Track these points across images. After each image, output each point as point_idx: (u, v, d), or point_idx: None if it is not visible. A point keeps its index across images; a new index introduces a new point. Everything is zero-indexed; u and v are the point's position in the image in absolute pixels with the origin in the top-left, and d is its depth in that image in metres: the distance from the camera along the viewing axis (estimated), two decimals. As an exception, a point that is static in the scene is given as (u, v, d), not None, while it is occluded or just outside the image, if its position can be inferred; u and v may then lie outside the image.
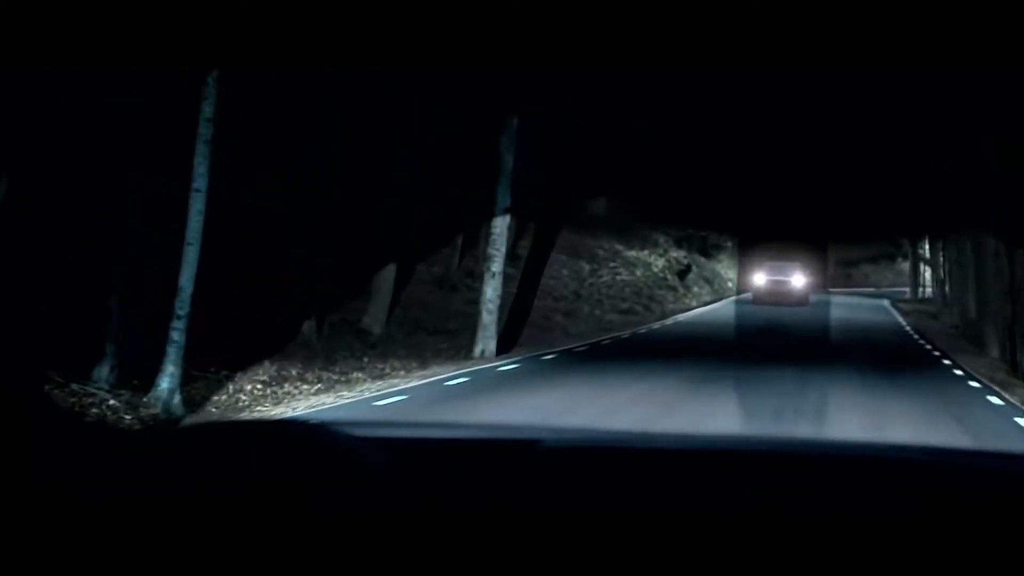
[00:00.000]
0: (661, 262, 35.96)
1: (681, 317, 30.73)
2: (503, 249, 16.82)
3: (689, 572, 1.57)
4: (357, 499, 1.50)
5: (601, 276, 30.51)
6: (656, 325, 27.45)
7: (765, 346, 21.48)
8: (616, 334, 23.92)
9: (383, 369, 15.45)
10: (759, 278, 34.41)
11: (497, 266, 16.90)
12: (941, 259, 46.03)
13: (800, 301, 32.97)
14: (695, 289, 38.66)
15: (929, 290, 52.94)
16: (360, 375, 14.82)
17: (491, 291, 16.87)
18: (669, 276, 35.70)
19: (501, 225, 16.74)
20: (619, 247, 35.25)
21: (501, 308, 23.07)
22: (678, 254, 38.25)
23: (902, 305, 44.83)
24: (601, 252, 33.26)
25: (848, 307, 37.43)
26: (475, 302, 23.06)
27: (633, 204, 34.82)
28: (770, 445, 3.21)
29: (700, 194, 29.17)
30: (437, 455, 2.07)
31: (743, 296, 33.90)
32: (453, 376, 14.84)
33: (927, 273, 55.81)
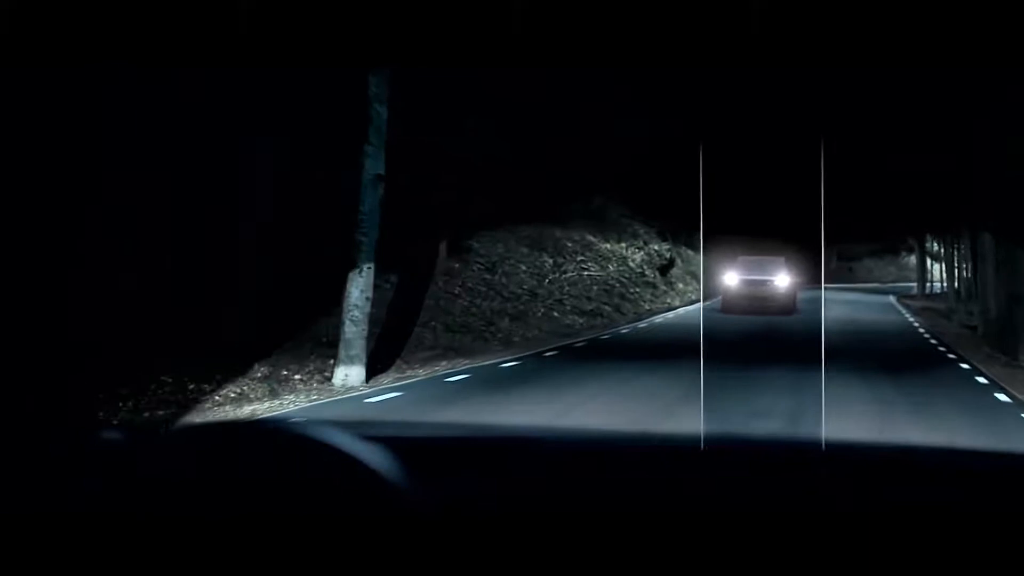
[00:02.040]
0: (640, 256, 31.16)
1: (659, 319, 25.96)
2: (374, 234, 11.84)
3: (690, 572, 1.59)
4: (357, 499, 1.46)
5: (566, 272, 25.78)
6: (625, 329, 22.70)
7: (756, 356, 16.86)
8: (570, 341, 19.21)
9: (204, 402, 10.80)
10: (730, 278, 27.72)
11: (366, 258, 11.90)
12: (953, 254, 41.58)
13: (783, 308, 26.40)
14: (680, 286, 33.86)
15: (937, 286, 48.69)
16: (161, 413, 10.18)
17: (357, 292, 11.84)
18: (648, 271, 30.89)
19: (371, 201, 11.80)
20: (592, 239, 30.52)
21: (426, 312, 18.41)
22: (660, 247, 33.42)
23: (909, 302, 39.98)
24: (569, 244, 28.53)
25: (851, 305, 32.80)
26: (394, 305, 18.48)
27: (600, 189, 30.21)
28: (773, 445, 3.13)
29: (672, 181, 24.87)
30: (438, 454, 2.10)
31: (712, 303, 28.25)
32: (288, 415, 10.19)
33: (935, 268, 51.53)
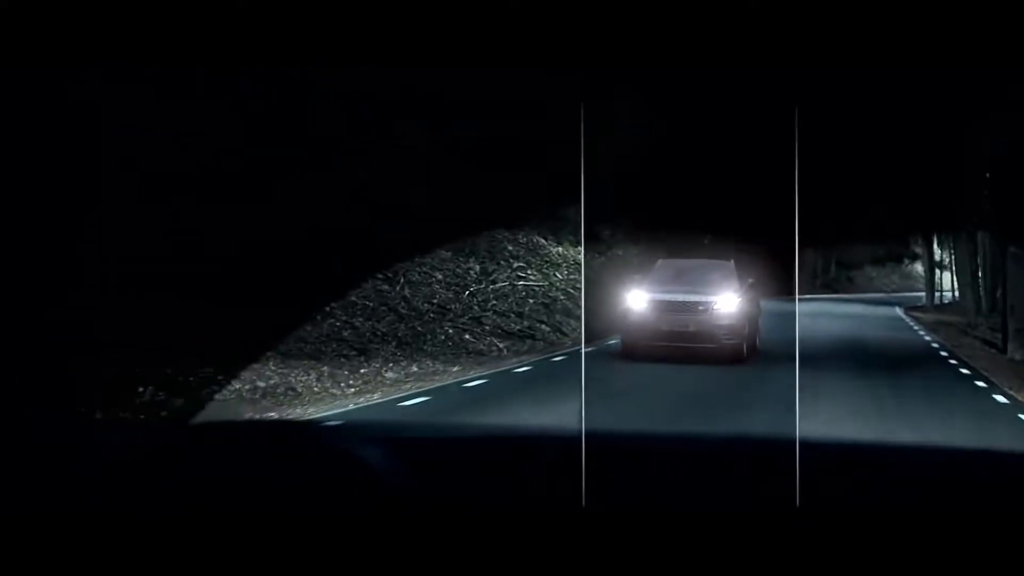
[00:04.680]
0: (598, 262, 25.61)
1: (614, 341, 20.33)
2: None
3: (696, 569, 1.63)
4: (358, 497, 1.53)
5: (495, 281, 20.17)
6: (559, 357, 17.00)
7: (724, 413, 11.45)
8: (469, 377, 13.62)
9: None
10: (635, 298, 16.41)
11: None
12: (968, 259, 36.19)
13: (728, 352, 15.34)
14: (649, 297, 28.26)
15: (947, 295, 43.52)
16: None
17: None
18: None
19: None
20: (542, 240, 24.98)
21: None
22: (626, 251, 27.88)
23: (919, 315, 34.36)
24: (510, 248, 22.95)
25: (853, 320, 27.22)
26: (215, 328, 12.86)
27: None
28: (775, 443, 3.03)
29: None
30: (439, 455, 2.17)
31: (606, 344, 17.77)
32: None
33: (943, 277, 46.35)
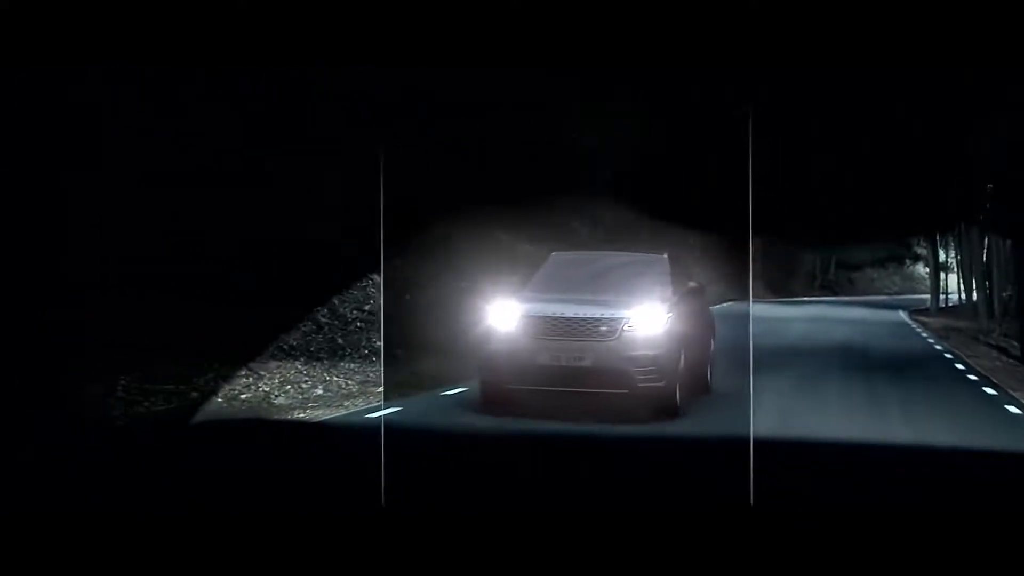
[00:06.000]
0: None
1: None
2: None
3: (698, 566, 2.02)
4: (355, 496, 2.17)
5: (440, 284, 17.62)
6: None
7: None
8: (371, 405, 10.99)
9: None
10: (502, 312, 10.12)
11: None
12: (976, 259, 33.87)
13: (650, 400, 9.61)
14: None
15: (953, 298, 41.30)
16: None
17: None
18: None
19: None
20: (504, 236, 22.62)
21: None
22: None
23: (925, 319, 31.88)
24: (464, 245, 20.50)
25: (856, 326, 24.78)
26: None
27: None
28: (775, 442, 3.10)
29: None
30: (441, 453, 2.95)
31: (462, 391, 11.63)
32: None
33: (948, 279, 44.17)
